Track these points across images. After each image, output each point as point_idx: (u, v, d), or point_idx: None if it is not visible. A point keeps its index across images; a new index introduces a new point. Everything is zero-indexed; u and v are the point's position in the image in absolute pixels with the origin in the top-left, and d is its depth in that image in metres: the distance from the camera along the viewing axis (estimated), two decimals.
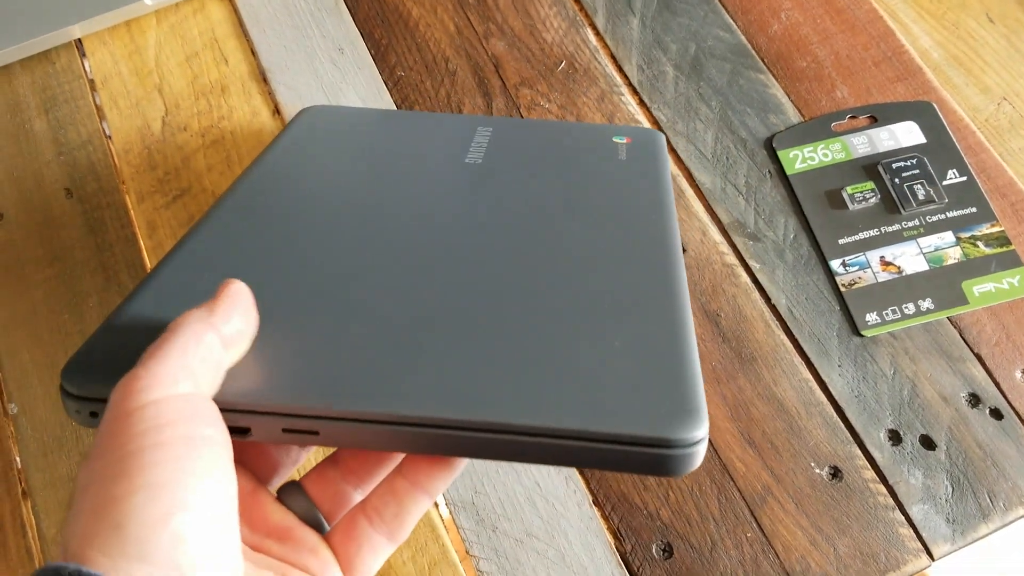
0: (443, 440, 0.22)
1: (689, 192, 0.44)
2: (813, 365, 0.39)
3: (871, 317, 0.40)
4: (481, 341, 0.25)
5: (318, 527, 0.25)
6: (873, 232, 0.42)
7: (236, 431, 0.23)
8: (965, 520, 0.36)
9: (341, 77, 0.48)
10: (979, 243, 0.41)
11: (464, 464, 0.25)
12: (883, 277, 0.41)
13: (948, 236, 0.42)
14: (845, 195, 0.43)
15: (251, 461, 0.26)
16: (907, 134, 0.45)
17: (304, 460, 0.28)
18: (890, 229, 0.42)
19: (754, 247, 0.43)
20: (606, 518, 0.37)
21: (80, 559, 0.17)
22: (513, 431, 0.22)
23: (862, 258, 0.42)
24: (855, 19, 0.49)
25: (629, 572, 0.36)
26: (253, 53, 0.49)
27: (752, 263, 0.42)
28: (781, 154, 0.45)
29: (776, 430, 0.38)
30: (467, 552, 0.36)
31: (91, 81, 0.48)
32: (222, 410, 0.21)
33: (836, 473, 0.37)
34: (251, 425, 0.23)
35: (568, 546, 0.36)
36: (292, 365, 0.24)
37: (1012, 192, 0.43)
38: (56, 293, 0.43)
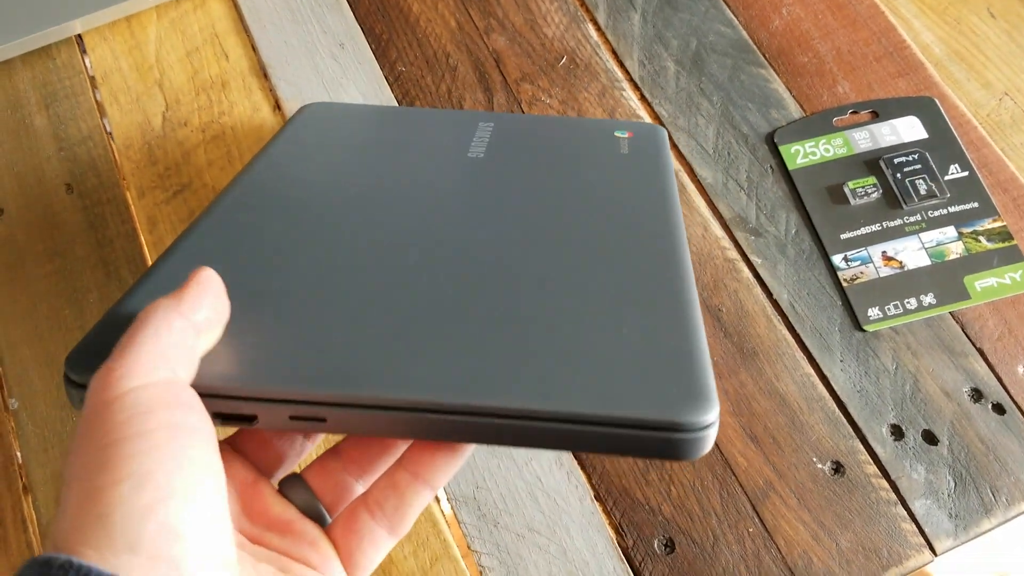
0: (453, 426, 0.22)
1: (691, 187, 0.44)
2: (815, 360, 0.39)
3: (873, 312, 0.40)
4: (491, 328, 0.25)
5: (319, 519, 0.25)
6: (875, 227, 0.42)
7: (242, 419, 0.23)
8: (967, 515, 0.36)
9: (342, 72, 0.48)
10: (981, 238, 0.41)
11: (466, 456, 0.25)
12: (885, 272, 0.41)
13: (950, 231, 0.42)
14: (847, 190, 0.43)
15: (253, 453, 0.26)
16: (909, 129, 0.44)
17: (307, 455, 0.28)
18: (892, 224, 0.42)
19: (756, 242, 0.42)
20: (608, 513, 0.37)
21: (69, 553, 0.17)
22: (524, 416, 0.22)
23: (864, 253, 0.41)
24: (856, 14, 0.48)
25: (631, 567, 0.35)
26: (253, 48, 0.49)
27: (754, 258, 0.42)
28: (783, 149, 0.44)
29: (778, 425, 0.38)
30: (469, 547, 0.36)
31: (91, 77, 0.48)
32: (227, 398, 0.21)
33: (838, 468, 0.37)
34: (258, 412, 0.23)
35: (570, 541, 0.36)
36: (298, 353, 0.24)
37: (1014, 187, 0.43)
38: (57, 288, 0.42)
